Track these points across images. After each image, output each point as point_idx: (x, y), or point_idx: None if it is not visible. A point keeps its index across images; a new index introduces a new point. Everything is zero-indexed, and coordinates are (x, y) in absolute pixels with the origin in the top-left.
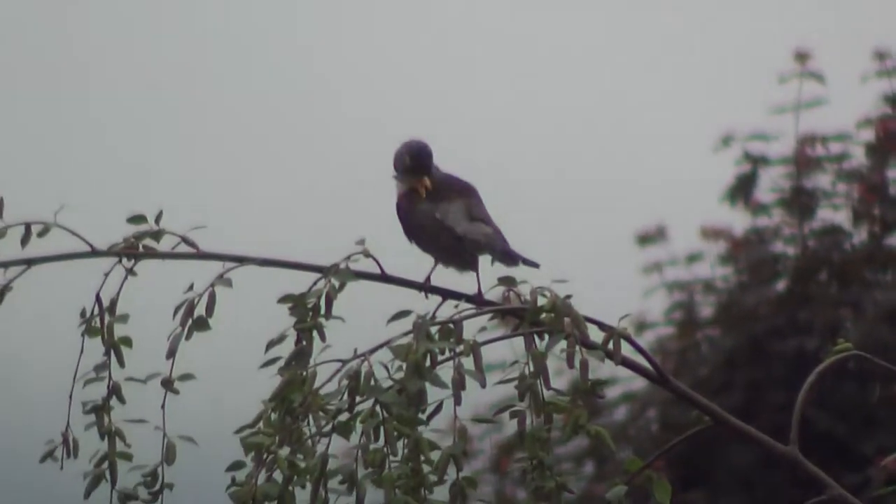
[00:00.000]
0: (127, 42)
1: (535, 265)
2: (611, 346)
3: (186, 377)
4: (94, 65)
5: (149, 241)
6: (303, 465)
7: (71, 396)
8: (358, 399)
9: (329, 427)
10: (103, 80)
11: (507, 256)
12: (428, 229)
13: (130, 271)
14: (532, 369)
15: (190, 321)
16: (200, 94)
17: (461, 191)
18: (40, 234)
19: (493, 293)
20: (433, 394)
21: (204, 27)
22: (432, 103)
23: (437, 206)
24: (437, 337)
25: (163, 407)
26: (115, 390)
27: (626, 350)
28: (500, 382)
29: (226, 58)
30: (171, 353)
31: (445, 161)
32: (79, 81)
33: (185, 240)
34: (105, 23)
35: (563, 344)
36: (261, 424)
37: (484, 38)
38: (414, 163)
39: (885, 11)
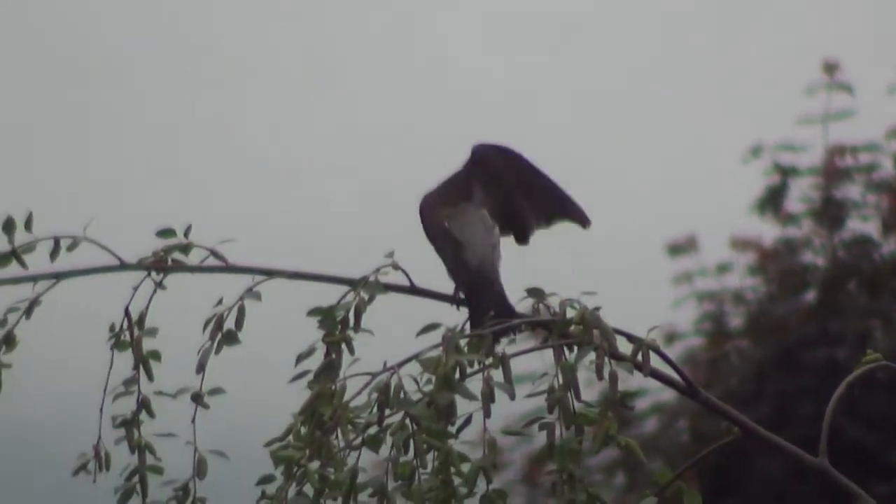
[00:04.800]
0: (170, 52)
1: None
2: (640, 357)
3: (216, 391)
4: (129, 83)
5: (178, 255)
6: (333, 478)
7: (101, 410)
8: (387, 412)
9: (359, 440)
10: (134, 98)
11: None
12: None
13: (159, 285)
14: (561, 381)
15: (219, 335)
16: (225, 107)
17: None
18: (69, 248)
19: (523, 305)
20: (463, 406)
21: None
22: (456, 118)
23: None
24: (466, 349)
25: (193, 421)
26: (144, 404)
27: (656, 361)
28: (530, 395)
29: (256, 68)
30: (201, 368)
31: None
32: (118, 100)
33: (214, 253)
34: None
35: (592, 356)
36: (290, 438)
37: (496, 60)
38: None
39: None
